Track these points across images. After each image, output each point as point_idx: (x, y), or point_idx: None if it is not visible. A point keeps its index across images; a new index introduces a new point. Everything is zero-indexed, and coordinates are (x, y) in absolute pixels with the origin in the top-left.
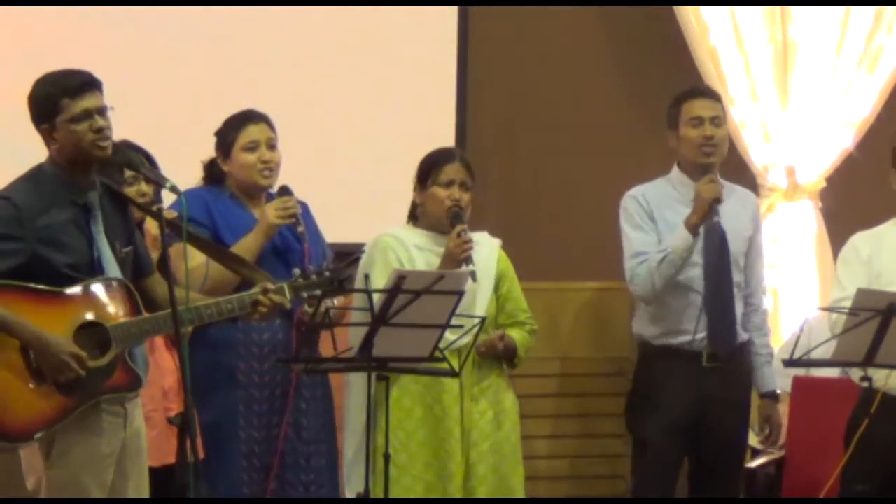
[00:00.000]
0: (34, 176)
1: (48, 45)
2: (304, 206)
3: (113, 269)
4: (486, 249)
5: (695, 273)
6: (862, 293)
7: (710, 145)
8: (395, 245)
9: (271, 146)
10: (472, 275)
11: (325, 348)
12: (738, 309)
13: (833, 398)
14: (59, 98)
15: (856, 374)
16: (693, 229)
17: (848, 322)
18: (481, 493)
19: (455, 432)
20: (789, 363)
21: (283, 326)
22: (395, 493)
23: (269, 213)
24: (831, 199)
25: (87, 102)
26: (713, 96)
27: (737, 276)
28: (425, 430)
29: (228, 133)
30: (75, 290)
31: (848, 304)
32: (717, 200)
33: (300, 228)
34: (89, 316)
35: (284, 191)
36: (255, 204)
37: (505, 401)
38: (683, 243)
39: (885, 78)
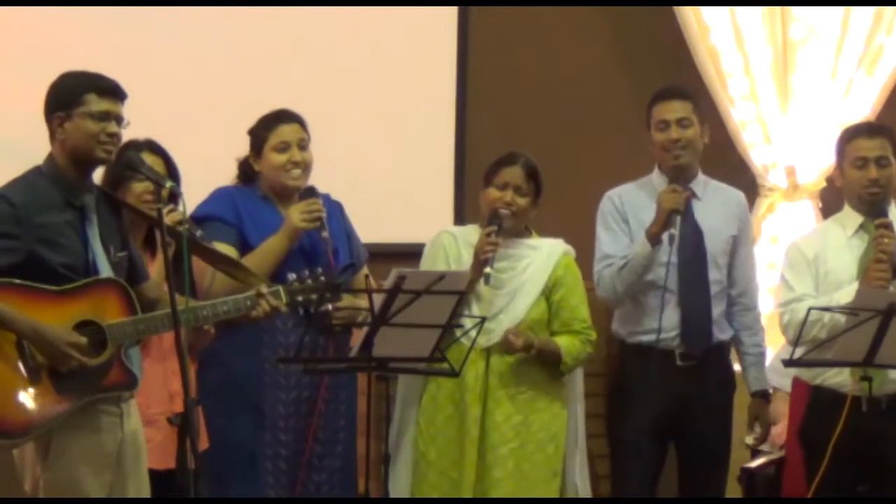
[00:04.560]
0: (31, 176)
1: (49, 45)
2: (338, 206)
3: (107, 272)
4: (543, 255)
5: (669, 272)
6: (862, 293)
7: (676, 148)
8: (449, 243)
9: (302, 147)
10: (486, 277)
11: None
12: (718, 308)
13: None
14: (86, 91)
15: (805, 374)
16: (652, 238)
17: (848, 322)
18: (494, 496)
19: (472, 432)
20: (789, 363)
21: (312, 330)
22: (422, 488)
23: (294, 216)
24: (831, 199)
25: (110, 106)
26: (682, 96)
27: (715, 275)
28: (453, 427)
29: (260, 132)
30: (71, 289)
31: (797, 305)
32: (676, 211)
33: (324, 234)
34: (85, 315)
35: (310, 192)
36: (286, 205)
37: (543, 411)
38: (642, 251)
39: (885, 78)
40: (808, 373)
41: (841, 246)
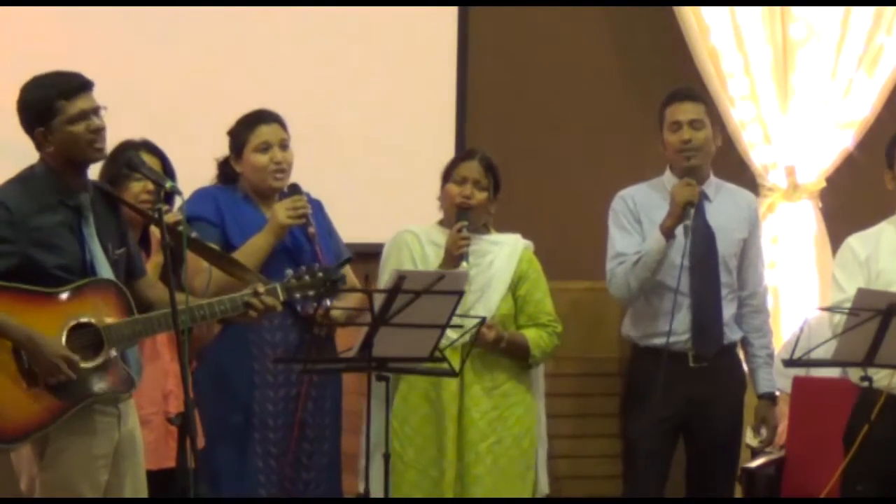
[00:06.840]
0: (25, 178)
1: (50, 45)
2: (318, 204)
3: (105, 271)
4: (506, 251)
5: (681, 274)
6: (862, 293)
7: (688, 149)
8: (411, 241)
9: (283, 147)
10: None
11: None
12: (729, 310)
13: (833, 398)
14: (55, 100)
15: (854, 374)
16: (666, 232)
17: (848, 322)
18: (475, 493)
19: (450, 430)
20: (789, 363)
21: (296, 327)
22: (402, 488)
23: (279, 212)
24: (831, 199)
25: (83, 103)
26: (694, 98)
27: (725, 277)
28: (430, 426)
29: (240, 133)
30: (67, 291)
31: (848, 306)
32: (691, 204)
33: (311, 230)
34: (82, 317)
35: (294, 189)
36: (268, 205)
37: (517, 405)
38: (656, 245)
39: (885, 78)
40: (857, 374)
41: (894, 248)
